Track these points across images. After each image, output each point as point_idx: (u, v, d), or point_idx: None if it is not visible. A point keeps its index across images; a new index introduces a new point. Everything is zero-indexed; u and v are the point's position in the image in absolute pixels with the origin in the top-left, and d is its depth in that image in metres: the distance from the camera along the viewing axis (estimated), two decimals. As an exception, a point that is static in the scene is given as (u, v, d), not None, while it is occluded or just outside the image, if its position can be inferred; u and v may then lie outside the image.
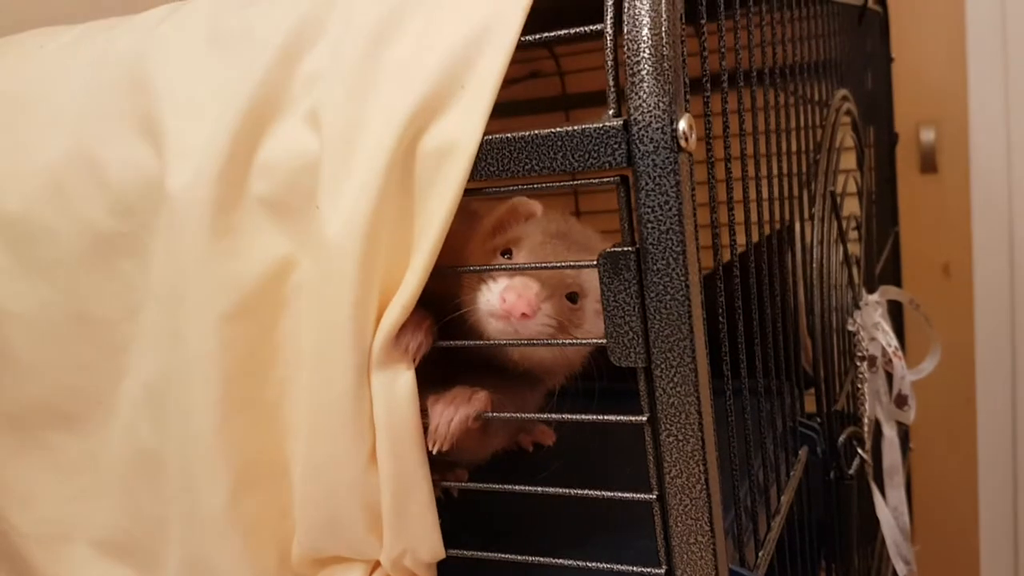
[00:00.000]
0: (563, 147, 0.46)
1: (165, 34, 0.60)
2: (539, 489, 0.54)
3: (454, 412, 0.55)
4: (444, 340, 0.55)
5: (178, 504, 0.57)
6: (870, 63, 1.21)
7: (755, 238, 0.61)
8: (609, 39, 0.46)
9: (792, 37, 0.73)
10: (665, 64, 0.43)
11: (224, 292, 0.53)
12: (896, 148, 1.38)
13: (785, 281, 0.73)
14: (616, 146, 0.45)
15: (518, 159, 0.47)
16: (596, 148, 0.45)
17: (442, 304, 0.57)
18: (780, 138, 0.70)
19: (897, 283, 1.37)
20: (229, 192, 0.53)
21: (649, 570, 0.50)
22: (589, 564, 0.52)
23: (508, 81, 0.49)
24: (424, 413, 0.54)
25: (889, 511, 0.89)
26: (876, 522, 0.88)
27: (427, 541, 0.54)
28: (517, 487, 0.54)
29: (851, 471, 0.79)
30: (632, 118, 0.44)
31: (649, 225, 0.45)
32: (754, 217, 0.63)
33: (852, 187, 0.92)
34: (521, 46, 0.49)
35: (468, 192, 0.49)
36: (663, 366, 0.46)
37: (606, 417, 0.50)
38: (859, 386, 0.87)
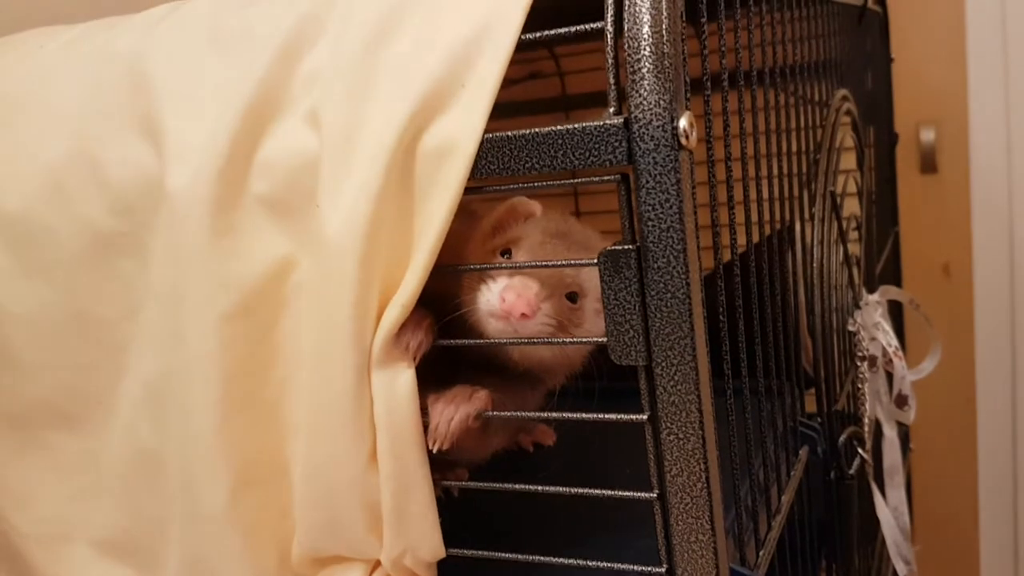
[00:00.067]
0: (564, 145, 0.46)
1: (165, 33, 0.60)
2: (539, 488, 0.54)
3: (454, 411, 0.55)
4: (444, 340, 0.55)
5: (178, 504, 0.57)
6: (870, 63, 1.21)
7: (755, 238, 0.61)
8: (609, 37, 0.46)
9: (792, 37, 0.74)
10: (666, 62, 0.43)
11: (224, 291, 0.53)
12: (896, 148, 1.38)
13: (785, 281, 0.73)
14: (617, 144, 0.45)
15: (519, 157, 0.47)
16: (597, 146, 0.45)
17: (442, 304, 0.57)
18: (780, 138, 0.70)
19: (897, 283, 1.37)
20: (229, 191, 0.53)
21: (650, 569, 0.50)
22: (589, 563, 0.52)
23: (508, 82, 0.49)
24: (424, 412, 0.54)
25: (889, 511, 0.89)
26: (876, 522, 0.88)
27: (427, 540, 0.54)
28: (517, 486, 0.54)
29: (851, 471, 0.79)
30: (633, 116, 0.44)
31: (650, 223, 0.45)
32: (754, 217, 0.63)
33: (852, 187, 0.92)
34: (521, 45, 0.49)
35: (469, 191, 0.49)
36: (664, 364, 0.46)
37: (606, 416, 0.50)
38: (859, 386, 0.87)
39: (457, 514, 0.58)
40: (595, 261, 0.47)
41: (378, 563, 0.56)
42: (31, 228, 0.60)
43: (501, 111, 0.50)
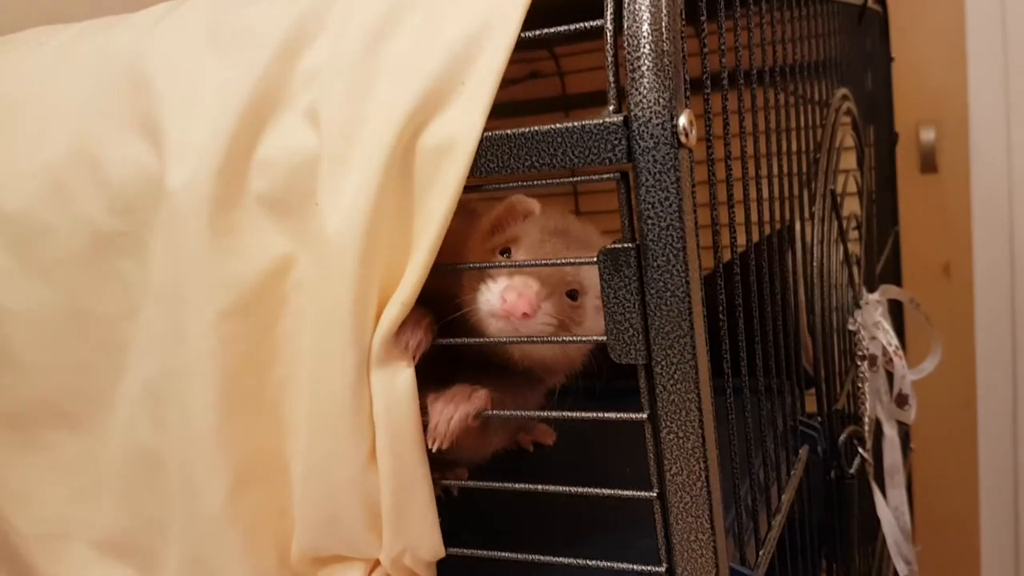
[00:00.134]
0: (563, 143, 0.46)
1: (164, 32, 0.60)
2: (539, 488, 0.53)
3: (454, 410, 0.55)
4: (444, 339, 0.55)
5: (178, 503, 0.57)
6: (870, 63, 1.21)
7: (755, 238, 0.61)
8: (609, 35, 0.45)
9: (792, 36, 0.74)
10: (665, 60, 0.43)
11: (224, 290, 0.53)
12: (896, 148, 1.38)
13: (785, 280, 0.73)
14: (616, 142, 0.45)
15: (518, 156, 0.47)
16: (596, 144, 0.45)
17: (442, 304, 0.57)
18: (780, 138, 0.70)
19: (897, 283, 1.37)
20: (228, 190, 0.53)
21: (649, 568, 0.50)
22: (589, 563, 0.52)
23: (508, 81, 0.49)
24: (424, 411, 0.53)
25: (890, 511, 0.89)
26: (877, 521, 0.88)
27: (427, 540, 0.54)
28: (517, 486, 0.54)
29: (852, 470, 0.79)
30: (632, 114, 0.44)
31: (649, 221, 0.45)
32: (754, 217, 0.63)
33: (852, 187, 0.92)
34: (521, 43, 0.49)
35: (468, 189, 0.49)
36: (663, 362, 0.46)
37: (606, 415, 0.50)
38: (860, 385, 0.87)
39: (457, 513, 0.58)
40: (595, 259, 0.47)
41: (377, 562, 0.56)
42: (31, 228, 0.60)
43: (501, 111, 0.50)
